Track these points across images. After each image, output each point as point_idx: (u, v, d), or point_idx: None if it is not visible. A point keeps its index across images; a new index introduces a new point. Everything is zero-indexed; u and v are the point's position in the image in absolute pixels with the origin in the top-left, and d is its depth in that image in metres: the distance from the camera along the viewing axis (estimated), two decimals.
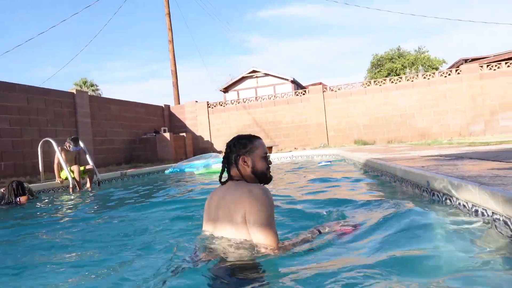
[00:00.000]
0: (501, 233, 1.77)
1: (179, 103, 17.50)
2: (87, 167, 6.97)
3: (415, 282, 1.38)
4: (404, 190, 3.50)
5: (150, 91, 68.13)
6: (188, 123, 16.20)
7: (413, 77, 13.52)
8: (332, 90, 14.36)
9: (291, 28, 67.29)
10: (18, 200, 5.08)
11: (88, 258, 2.18)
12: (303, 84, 24.22)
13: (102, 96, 25.40)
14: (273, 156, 10.34)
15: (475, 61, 15.16)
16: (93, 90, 32.33)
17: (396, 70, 28.78)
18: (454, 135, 12.72)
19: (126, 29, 68.62)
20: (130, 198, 5.28)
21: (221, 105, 15.76)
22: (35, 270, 2.00)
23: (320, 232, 1.96)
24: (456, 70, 13.03)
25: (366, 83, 14.14)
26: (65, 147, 6.72)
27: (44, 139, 7.57)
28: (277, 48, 65.54)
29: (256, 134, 1.98)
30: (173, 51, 17.78)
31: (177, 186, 6.61)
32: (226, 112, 15.53)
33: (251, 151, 1.87)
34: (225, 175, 1.93)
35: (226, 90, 23.93)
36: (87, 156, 7.38)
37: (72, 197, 5.87)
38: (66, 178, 6.56)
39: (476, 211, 2.06)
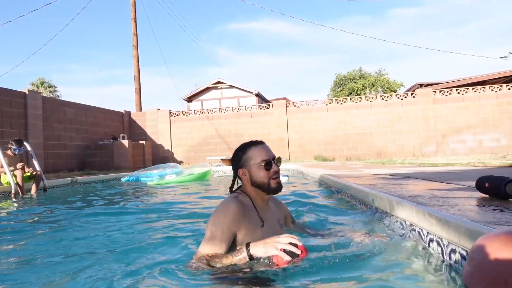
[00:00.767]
0: (432, 253, 1.82)
1: (141, 110, 17.10)
2: (34, 172, 6.58)
3: None
4: (355, 206, 3.56)
5: (111, 96, 66.38)
6: (149, 131, 15.82)
7: (372, 98, 14.07)
8: (295, 105, 14.62)
9: (259, 42, 68.53)
10: None
11: (16, 269, 2.01)
12: (268, 98, 24.49)
13: (60, 98, 24.32)
14: (225, 169, 10.21)
15: (429, 86, 16.06)
16: (50, 92, 30.93)
17: (357, 90, 29.84)
18: (409, 155, 13.30)
19: (90, 31, 66.74)
20: (78, 207, 4.99)
21: (184, 114, 15.54)
22: None
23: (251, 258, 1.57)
24: (412, 94, 13.71)
25: (328, 101, 14.53)
26: (8, 150, 6.31)
27: None
28: (244, 61, 66.27)
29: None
30: (138, 57, 17.46)
31: (128, 195, 6.36)
32: (189, 122, 15.33)
33: (246, 162, 1.84)
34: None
35: (190, 99, 23.71)
36: (34, 161, 6.97)
37: (15, 204, 5.48)
38: (8, 183, 6.14)
39: (413, 229, 2.11)
